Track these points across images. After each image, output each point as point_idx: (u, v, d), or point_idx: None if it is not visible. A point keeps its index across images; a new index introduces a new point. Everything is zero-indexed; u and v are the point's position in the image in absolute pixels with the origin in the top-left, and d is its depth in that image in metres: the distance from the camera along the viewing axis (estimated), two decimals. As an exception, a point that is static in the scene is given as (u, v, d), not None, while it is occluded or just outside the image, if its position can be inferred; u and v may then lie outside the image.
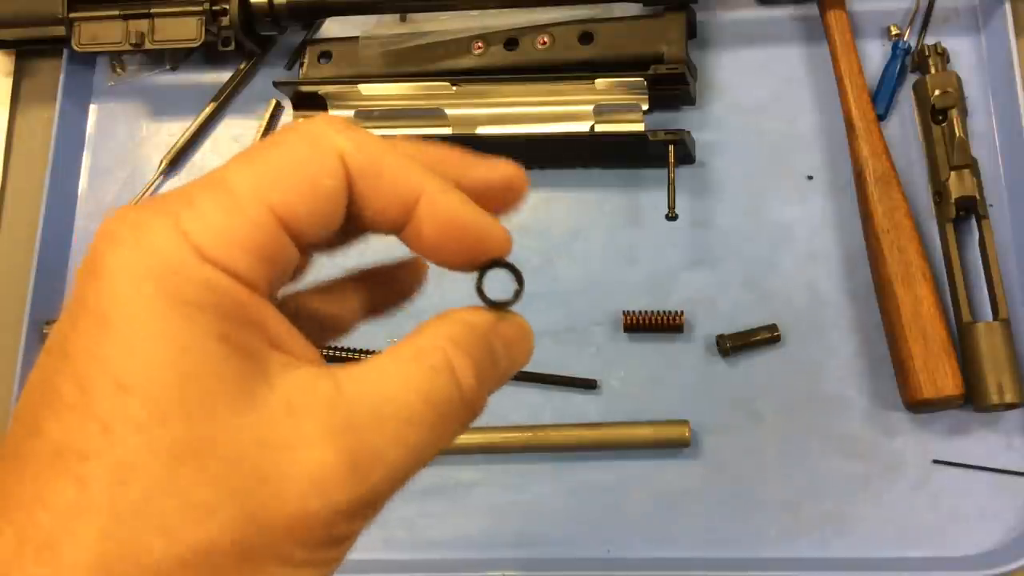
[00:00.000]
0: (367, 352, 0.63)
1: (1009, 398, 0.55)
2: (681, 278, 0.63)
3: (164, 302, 0.22)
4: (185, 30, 0.66)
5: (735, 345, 0.60)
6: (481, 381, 0.26)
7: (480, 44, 0.66)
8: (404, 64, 0.67)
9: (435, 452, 0.25)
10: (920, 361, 0.56)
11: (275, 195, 0.23)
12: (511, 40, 0.65)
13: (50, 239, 0.68)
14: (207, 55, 0.72)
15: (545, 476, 0.61)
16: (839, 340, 0.61)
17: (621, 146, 0.63)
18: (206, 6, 0.66)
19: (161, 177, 0.70)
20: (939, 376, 0.56)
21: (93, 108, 0.73)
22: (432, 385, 0.24)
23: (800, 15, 0.67)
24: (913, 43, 0.65)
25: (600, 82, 0.62)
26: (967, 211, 0.60)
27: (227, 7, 0.66)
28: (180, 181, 0.71)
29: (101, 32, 0.67)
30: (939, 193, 0.61)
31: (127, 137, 0.72)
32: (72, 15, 0.67)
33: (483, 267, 0.27)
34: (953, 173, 0.60)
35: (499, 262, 0.27)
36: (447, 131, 0.65)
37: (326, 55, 0.69)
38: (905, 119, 0.64)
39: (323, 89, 0.66)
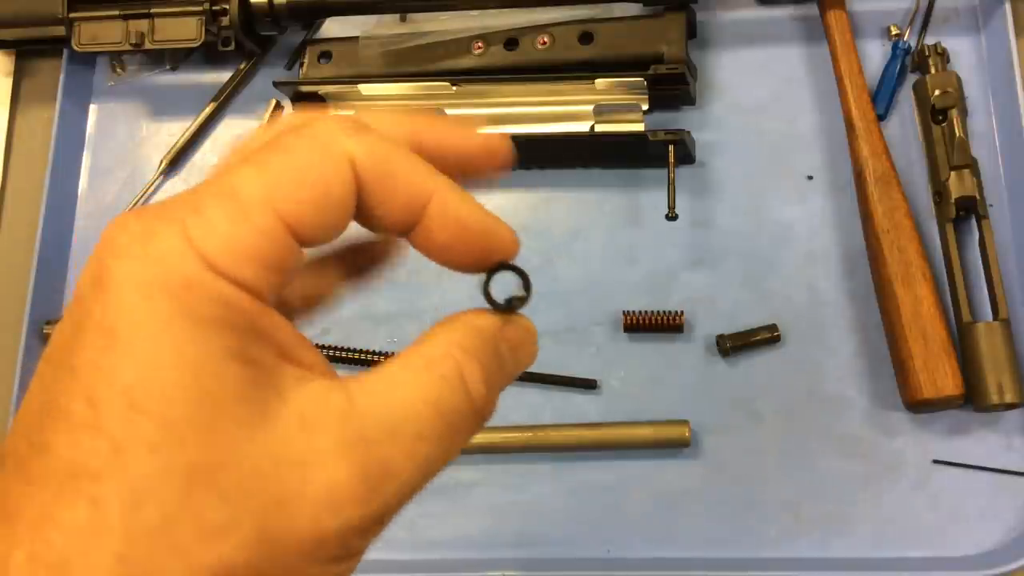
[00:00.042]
0: (367, 352, 0.63)
1: (1009, 398, 0.55)
2: (681, 278, 0.63)
3: (176, 318, 0.21)
4: (185, 30, 0.66)
5: (735, 345, 0.60)
6: (490, 387, 0.25)
7: (480, 44, 0.66)
8: (404, 64, 0.67)
9: (445, 463, 0.25)
10: (920, 361, 0.56)
11: (284, 203, 0.23)
12: (511, 40, 0.65)
13: (50, 239, 0.68)
14: (207, 55, 0.72)
15: (545, 476, 0.61)
16: (839, 340, 0.61)
17: (621, 146, 0.63)
18: (206, 6, 0.66)
19: (161, 177, 0.70)
20: (939, 376, 0.56)
21: (93, 108, 0.73)
22: (443, 396, 0.24)
23: (800, 15, 0.67)
24: (913, 43, 0.65)
25: (600, 82, 0.62)
26: (967, 211, 0.60)
27: (227, 7, 0.66)
28: (180, 181, 0.71)
29: (101, 32, 0.67)
30: (939, 193, 0.61)
31: (127, 137, 0.72)
32: (72, 15, 0.67)
33: (490, 270, 0.27)
34: (953, 173, 0.60)
35: (506, 265, 0.27)
36: (447, 131, 0.65)
37: (326, 55, 0.69)
38: (905, 119, 0.64)
39: (323, 89, 0.66)
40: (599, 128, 0.62)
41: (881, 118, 0.63)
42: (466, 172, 0.27)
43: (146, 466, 0.20)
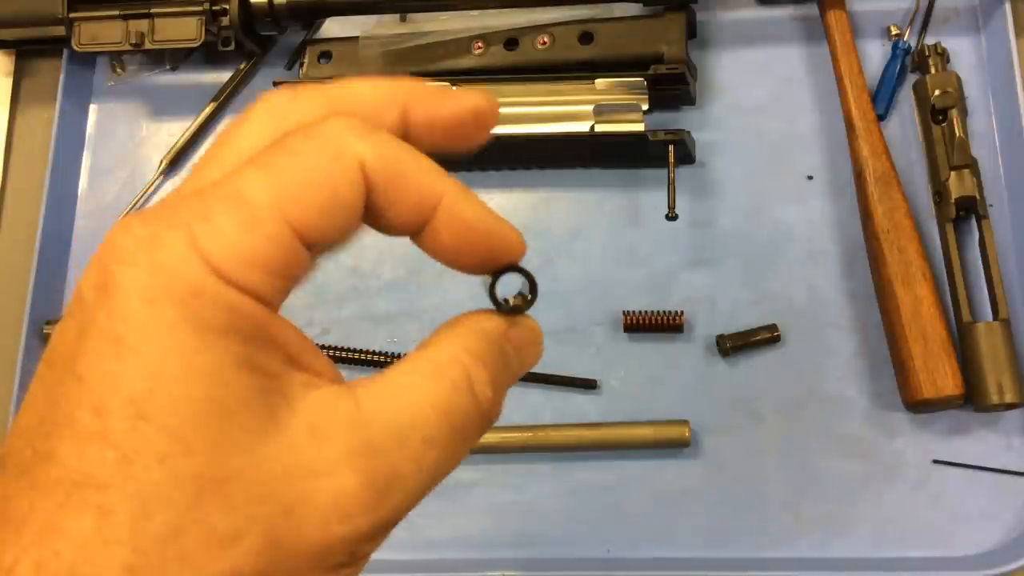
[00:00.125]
0: (367, 352, 0.63)
1: (1009, 398, 0.55)
2: (681, 278, 0.63)
3: (183, 326, 0.21)
4: (185, 30, 0.66)
5: (735, 345, 0.60)
6: (496, 389, 0.25)
7: (480, 44, 0.66)
8: (404, 64, 0.67)
9: (453, 467, 0.25)
10: (920, 361, 0.56)
11: (292, 207, 0.22)
12: (511, 40, 0.65)
13: (50, 239, 0.68)
14: (207, 55, 0.72)
15: (545, 476, 0.61)
16: (839, 340, 0.61)
17: (621, 146, 0.63)
18: (206, 6, 0.66)
19: (161, 177, 0.70)
20: (939, 376, 0.56)
21: (93, 108, 0.73)
22: (451, 401, 0.24)
23: (800, 15, 0.67)
24: (913, 43, 0.65)
25: (600, 82, 0.62)
26: (967, 211, 0.60)
27: (227, 7, 0.66)
28: (180, 181, 0.70)
29: (101, 32, 0.67)
30: (939, 193, 0.61)
31: (127, 137, 0.72)
32: (72, 15, 0.67)
33: (497, 272, 0.27)
34: (953, 173, 0.60)
35: (513, 267, 0.27)
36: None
37: (326, 55, 0.69)
38: (905, 119, 0.64)
39: (323, 89, 0.66)
40: (599, 128, 0.62)
41: (881, 118, 0.63)
42: (455, 139, 0.27)
43: (155, 475, 0.20)
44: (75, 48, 0.67)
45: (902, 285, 0.58)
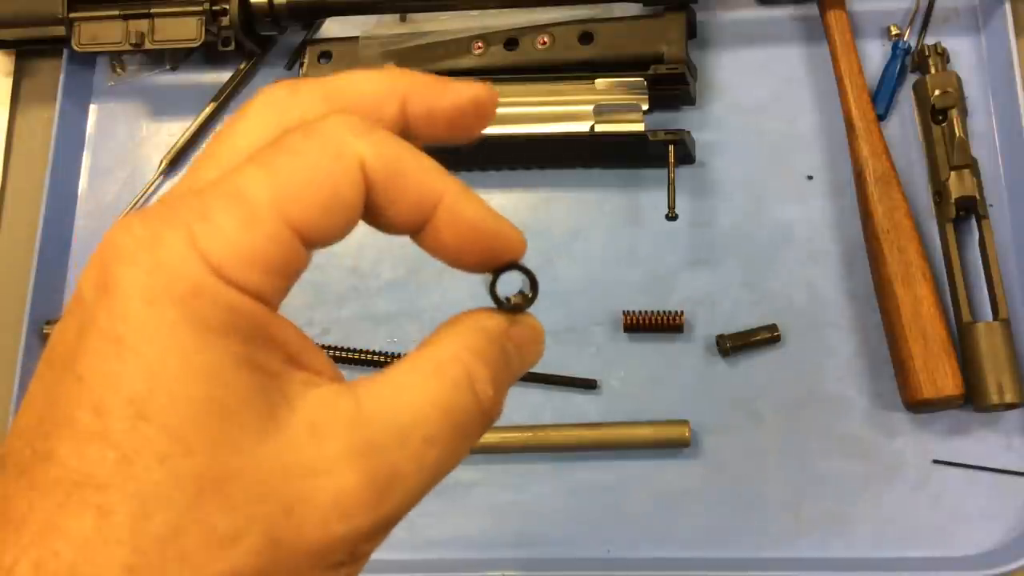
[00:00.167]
0: (367, 352, 0.63)
1: (1009, 398, 0.55)
2: (681, 278, 0.63)
3: (183, 325, 0.21)
4: (185, 30, 0.66)
5: (735, 345, 0.60)
6: (497, 388, 0.25)
7: (480, 44, 0.66)
8: (404, 64, 0.67)
9: (453, 466, 0.25)
10: (920, 361, 0.56)
11: (292, 207, 0.22)
12: (511, 40, 0.65)
13: (50, 239, 0.68)
14: (207, 55, 0.72)
15: (545, 476, 0.61)
16: (839, 340, 0.61)
17: (621, 146, 0.63)
18: (206, 6, 0.66)
19: (161, 177, 0.70)
20: (939, 376, 0.56)
21: (93, 108, 0.73)
22: (452, 399, 0.24)
23: (800, 15, 0.67)
24: (913, 43, 0.65)
25: (600, 82, 0.62)
26: (967, 211, 0.60)
27: (227, 7, 0.66)
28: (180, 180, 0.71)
29: (101, 32, 0.67)
30: (939, 193, 0.61)
31: (127, 137, 0.72)
32: (72, 15, 0.67)
33: (497, 270, 0.27)
34: (953, 173, 0.60)
35: (514, 265, 0.27)
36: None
37: (326, 55, 0.69)
38: (905, 119, 0.64)
39: (323, 89, 0.66)
40: (599, 128, 0.62)
41: (881, 118, 0.63)
42: (456, 130, 0.27)
43: (155, 475, 0.20)
44: (75, 48, 0.67)
45: (902, 285, 0.58)
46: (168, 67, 0.73)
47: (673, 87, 0.63)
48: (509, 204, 0.66)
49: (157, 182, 0.70)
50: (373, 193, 0.24)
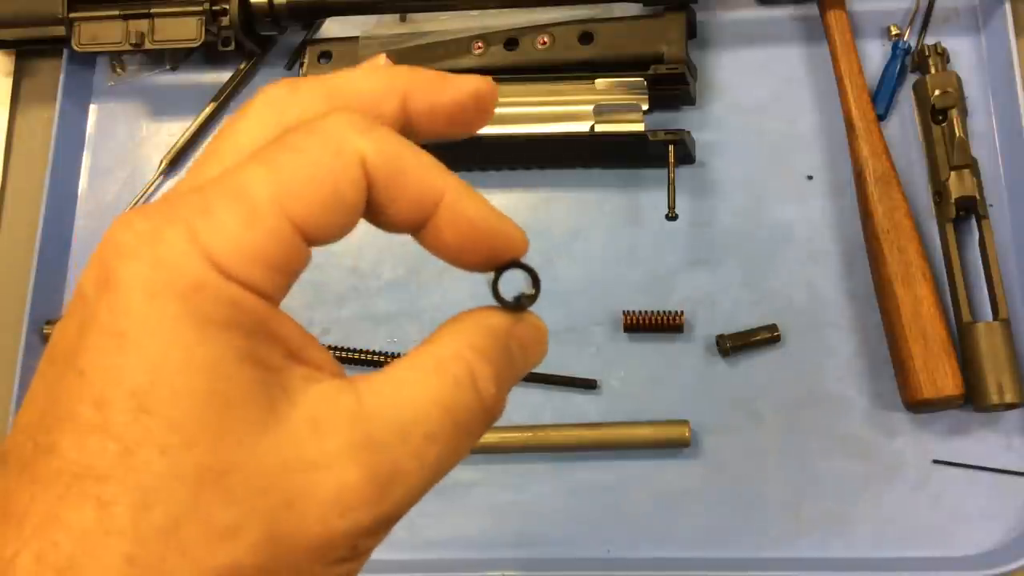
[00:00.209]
0: (367, 352, 0.63)
1: (1009, 398, 0.55)
2: (681, 278, 0.63)
3: (185, 320, 0.21)
4: (185, 30, 0.66)
5: (735, 345, 0.60)
6: (500, 386, 0.25)
7: (480, 44, 0.66)
8: (404, 64, 0.67)
9: (455, 464, 0.25)
10: (920, 361, 0.56)
11: (293, 204, 0.22)
12: (511, 40, 0.65)
13: (50, 239, 0.68)
14: (207, 55, 0.72)
15: (545, 476, 0.61)
16: (839, 340, 0.61)
17: (621, 146, 0.63)
18: (206, 6, 0.66)
19: (161, 177, 0.70)
20: (939, 376, 0.56)
21: (93, 108, 0.73)
22: (454, 397, 0.24)
23: (800, 15, 0.67)
24: (913, 43, 0.65)
25: (600, 82, 0.62)
26: (967, 211, 0.60)
27: (227, 7, 0.66)
28: (180, 180, 0.70)
29: (101, 32, 0.67)
30: (939, 193, 0.61)
31: (127, 137, 0.72)
32: (72, 15, 0.67)
33: (500, 268, 0.26)
34: (953, 173, 0.60)
35: (516, 263, 0.27)
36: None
37: (326, 55, 0.69)
38: (905, 119, 0.64)
39: (323, 89, 0.66)
40: (599, 128, 0.62)
41: (881, 118, 0.63)
42: (457, 125, 0.27)
43: (155, 467, 0.20)
44: (75, 48, 0.67)
45: (902, 285, 0.58)
46: (168, 67, 0.73)
47: (673, 87, 0.63)
48: (509, 204, 0.66)
49: (157, 182, 0.70)
50: (374, 190, 0.24)
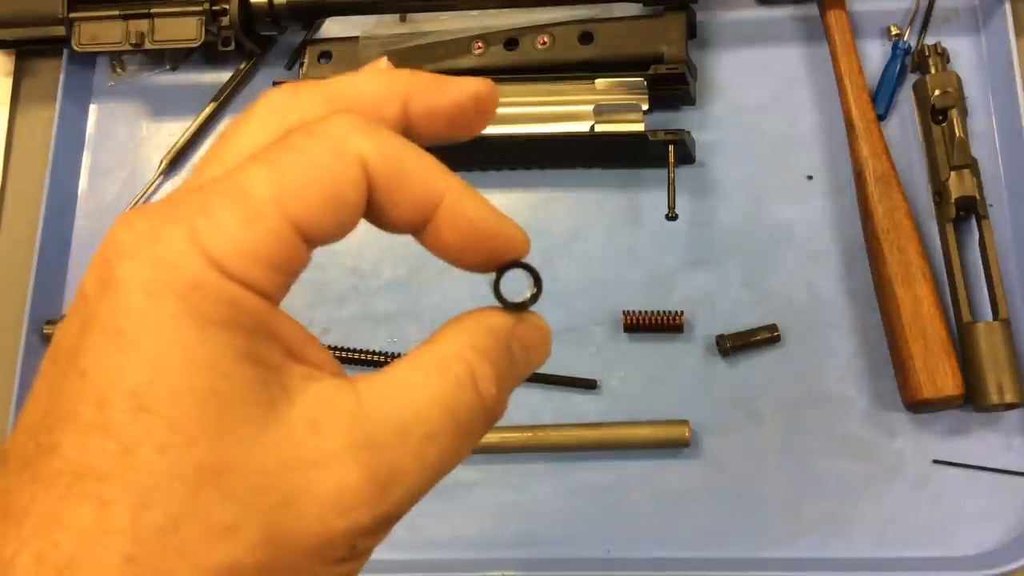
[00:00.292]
0: (367, 352, 0.63)
1: (1009, 398, 0.55)
2: (681, 278, 0.63)
3: (185, 319, 0.21)
4: (185, 30, 0.66)
5: (735, 345, 0.60)
6: (501, 387, 0.25)
7: (480, 44, 0.66)
8: (404, 64, 0.67)
9: (455, 464, 0.25)
10: (920, 361, 0.56)
11: (294, 204, 0.22)
12: (511, 40, 0.65)
13: (50, 239, 0.68)
14: (207, 55, 0.72)
15: (545, 476, 0.61)
16: (839, 340, 0.61)
17: (621, 146, 0.63)
18: (206, 6, 0.66)
19: (161, 177, 0.70)
20: (939, 376, 0.56)
21: (93, 108, 0.73)
22: (455, 397, 0.24)
23: (800, 15, 0.67)
24: (913, 43, 0.65)
25: (600, 82, 0.62)
26: (967, 211, 0.60)
27: (227, 7, 0.66)
28: (180, 181, 0.71)
29: (101, 32, 0.67)
30: (939, 193, 0.61)
31: (127, 137, 0.72)
32: (72, 15, 0.67)
33: (501, 268, 0.26)
34: (953, 173, 0.60)
35: (517, 263, 0.27)
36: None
37: (326, 55, 0.69)
38: (905, 119, 0.64)
39: (323, 89, 0.66)
40: (599, 128, 0.62)
41: (881, 118, 0.63)
42: (457, 127, 0.27)
43: (155, 466, 0.20)
44: (75, 48, 0.67)
45: (902, 285, 0.58)
46: (168, 67, 0.73)
47: (673, 87, 0.63)
48: (509, 204, 0.66)
49: (157, 182, 0.70)
50: (375, 191, 0.24)
